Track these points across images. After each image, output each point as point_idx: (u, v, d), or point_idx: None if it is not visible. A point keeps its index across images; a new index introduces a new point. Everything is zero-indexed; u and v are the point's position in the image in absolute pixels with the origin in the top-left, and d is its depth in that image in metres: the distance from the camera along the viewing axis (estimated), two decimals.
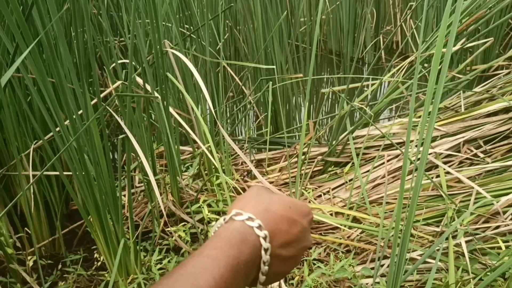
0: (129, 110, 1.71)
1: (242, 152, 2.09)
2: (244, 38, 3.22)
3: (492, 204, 1.80)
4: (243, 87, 2.84)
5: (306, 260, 1.74)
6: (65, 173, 1.66)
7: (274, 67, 2.45)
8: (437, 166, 2.10)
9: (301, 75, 2.65)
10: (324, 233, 1.96)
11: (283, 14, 2.50)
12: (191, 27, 2.61)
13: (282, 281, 1.61)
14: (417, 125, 2.30)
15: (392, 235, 1.23)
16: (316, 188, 2.22)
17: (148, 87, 1.84)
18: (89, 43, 1.51)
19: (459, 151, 2.18)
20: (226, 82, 3.20)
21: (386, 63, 4.29)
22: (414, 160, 1.86)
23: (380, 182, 2.14)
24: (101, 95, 1.64)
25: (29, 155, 1.76)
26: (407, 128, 2.01)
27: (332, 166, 2.35)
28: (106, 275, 1.77)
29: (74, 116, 1.44)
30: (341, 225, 1.90)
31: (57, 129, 1.47)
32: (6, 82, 1.51)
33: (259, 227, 0.50)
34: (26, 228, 1.88)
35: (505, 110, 2.24)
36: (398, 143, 2.23)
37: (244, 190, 2.09)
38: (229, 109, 3.25)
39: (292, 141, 2.67)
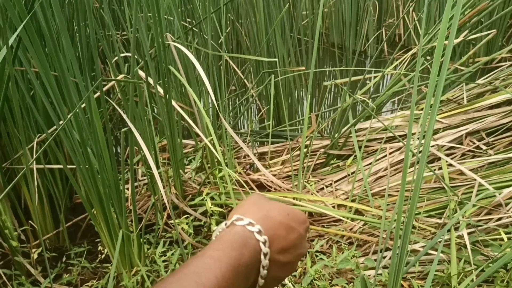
0: (132, 104, 1.72)
1: (245, 145, 2.09)
2: (246, 32, 3.21)
3: (495, 196, 1.81)
4: (245, 80, 2.85)
5: (308, 252, 1.75)
6: (68, 166, 1.67)
7: (276, 59, 2.45)
8: (439, 159, 2.10)
9: (303, 68, 2.65)
10: (326, 225, 1.97)
11: (285, 7, 2.50)
12: (193, 21, 2.60)
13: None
14: (419, 118, 2.30)
15: (394, 227, 1.24)
16: (318, 181, 2.23)
17: (151, 81, 1.85)
18: (91, 37, 1.51)
19: (461, 143, 2.18)
20: (228, 76, 3.20)
21: (388, 56, 4.28)
22: (416, 153, 1.86)
23: (382, 175, 2.15)
24: (104, 89, 1.65)
25: (33, 148, 1.77)
26: (409, 121, 2.01)
27: (335, 159, 2.36)
28: (110, 267, 1.78)
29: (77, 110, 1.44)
30: (343, 217, 1.91)
31: (60, 122, 1.48)
32: (7, 76, 1.52)
33: (259, 232, 0.53)
34: (30, 221, 1.89)
35: (508, 102, 2.24)
36: (400, 136, 2.23)
37: (246, 183, 2.10)
38: (231, 102, 3.25)
39: (294, 134, 2.68)
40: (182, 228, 1.87)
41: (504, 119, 2.19)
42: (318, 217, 2.01)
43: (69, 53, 1.42)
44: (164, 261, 1.74)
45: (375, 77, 2.72)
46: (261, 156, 2.53)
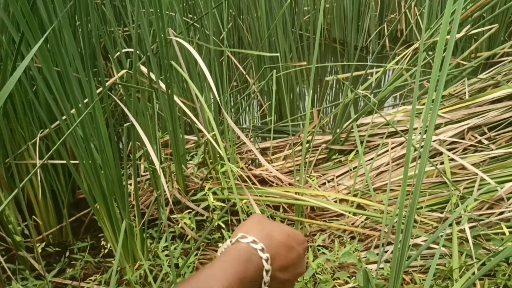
0: (134, 99, 1.72)
1: (247, 139, 2.10)
2: (247, 27, 3.21)
3: (496, 190, 1.81)
4: (247, 76, 2.85)
5: (311, 246, 1.76)
6: (71, 161, 1.68)
7: (278, 55, 2.45)
8: (441, 153, 2.11)
9: (305, 63, 2.65)
10: (328, 219, 1.97)
11: (287, 3, 2.49)
12: (195, 17, 2.60)
13: None
14: (421, 113, 2.30)
15: (396, 222, 1.24)
16: (320, 176, 2.23)
17: (153, 76, 1.85)
18: (93, 32, 1.51)
19: (463, 138, 2.18)
20: (230, 72, 3.20)
21: (390, 51, 4.27)
22: (418, 147, 1.87)
23: (384, 170, 2.15)
24: (106, 84, 1.65)
25: (36, 144, 1.78)
26: (411, 116, 2.01)
27: (336, 154, 2.36)
28: (113, 261, 1.80)
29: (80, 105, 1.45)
30: (345, 211, 1.91)
31: (63, 117, 1.48)
32: (10, 72, 1.52)
33: (262, 250, 0.57)
34: (33, 216, 1.90)
35: (510, 97, 2.23)
36: (402, 131, 2.23)
37: (249, 178, 2.10)
38: (233, 98, 3.25)
39: (296, 129, 2.68)
40: (185, 223, 1.88)
41: (506, 113, 2.19)
42: (320, 211, 2.01)
43: (71, 47, 1.43)
44: (167, 255, 1.75)
45: (377, 72, 2.72)
46: (263, 152, 2.54)
